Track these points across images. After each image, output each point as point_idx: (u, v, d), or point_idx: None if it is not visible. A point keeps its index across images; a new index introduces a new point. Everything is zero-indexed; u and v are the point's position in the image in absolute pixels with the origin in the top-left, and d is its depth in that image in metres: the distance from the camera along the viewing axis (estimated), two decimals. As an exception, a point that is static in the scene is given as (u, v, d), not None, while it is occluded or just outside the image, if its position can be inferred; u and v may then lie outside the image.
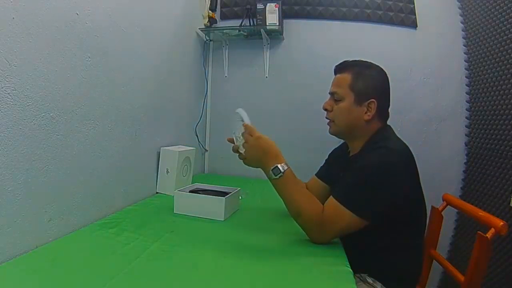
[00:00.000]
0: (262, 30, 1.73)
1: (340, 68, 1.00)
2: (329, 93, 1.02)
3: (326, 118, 1.03)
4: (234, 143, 0.95)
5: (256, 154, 0.89)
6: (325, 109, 1.02)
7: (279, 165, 0.87)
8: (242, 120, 0.93)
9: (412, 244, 0.93)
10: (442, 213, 1.18)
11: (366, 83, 0.94)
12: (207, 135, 2.00)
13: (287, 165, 0.89)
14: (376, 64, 0.99)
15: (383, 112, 0.97)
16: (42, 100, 0.79)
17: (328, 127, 1.03)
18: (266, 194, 0.97)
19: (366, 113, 0.94)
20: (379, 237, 0.88)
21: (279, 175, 0.87)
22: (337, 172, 1.06)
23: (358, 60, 0.99)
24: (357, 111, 0.95)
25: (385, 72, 0.98)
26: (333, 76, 1.02)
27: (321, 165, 1.24)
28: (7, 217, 0.71)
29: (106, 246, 0.82)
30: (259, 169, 0.92)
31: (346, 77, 0.96)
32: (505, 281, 1.34)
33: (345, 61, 1.01)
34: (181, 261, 0.77)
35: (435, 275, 1.67)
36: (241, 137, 0.91)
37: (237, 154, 0.93)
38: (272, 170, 0.87)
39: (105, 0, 0.99)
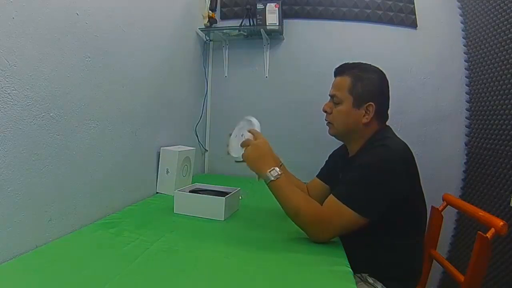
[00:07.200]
0: (262, 30, 1.73)
1: (340, 71, 1.01)
2: (329, 95, 1.02)
3: (326, 120, 1.04)
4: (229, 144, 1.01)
5: (256, 154, 0.94)
6: (325, 111, 1.03)
7: (277, 168, 0.90)
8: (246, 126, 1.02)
9: (412, 243, 0.93)
10: (442, 213, 1.18)
11: (365, 86, 0.95)
12: (207, 135, 2.00)
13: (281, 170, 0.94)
14: (376, 66, 0.99)
15: (382, 114, 0.98)
16: (42, 100, 0.79)
17: (328, 128, 1.04)
18: (266, 194, 0.97)
19: (364, 116, 0.95)
20: (379, 237, 0.88)
21: (276, 176, 0.89)
22: (337, 173, 1.07)
23: (358, 63, 0.99)
24: (356, 114, 0.96)
25: (384, 75, 0.99)
26: (333, 78, 1.03)
27: (322, 166, 1.25)
28: (7, 217, 0.71)
29: (106, 246, 0.82)
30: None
31: (346, 80, 0.97)
32: (505, 281, 1.34)
33: (345, 63, 1.01)
34: (181, 261, 0.76)
35: (435, 275, 1.67)
36: (242, 137, 0.99)
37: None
38: (270, 171, 0.90)
39: (105, 0, 0.99)
